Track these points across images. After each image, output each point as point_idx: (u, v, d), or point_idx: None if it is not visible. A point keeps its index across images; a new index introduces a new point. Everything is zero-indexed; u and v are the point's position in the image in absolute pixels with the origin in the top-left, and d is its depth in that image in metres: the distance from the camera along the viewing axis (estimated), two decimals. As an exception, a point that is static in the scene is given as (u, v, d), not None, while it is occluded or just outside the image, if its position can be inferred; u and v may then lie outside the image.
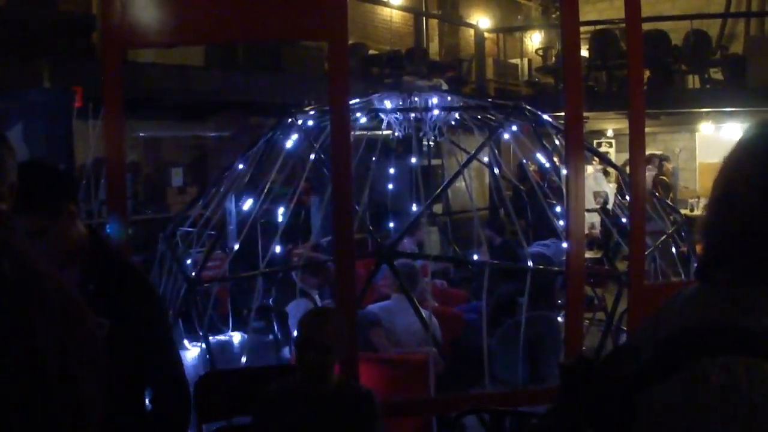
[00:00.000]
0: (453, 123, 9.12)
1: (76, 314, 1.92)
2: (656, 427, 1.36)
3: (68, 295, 1.95)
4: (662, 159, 16.76)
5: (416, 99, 8.40)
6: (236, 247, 7.54)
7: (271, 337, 7.66)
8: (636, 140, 5.18)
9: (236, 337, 8.61)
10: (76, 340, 1.85)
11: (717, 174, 1.56)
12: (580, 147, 5.17)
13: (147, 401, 3.11)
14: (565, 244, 5.46)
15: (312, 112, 7.83)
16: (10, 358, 1.69)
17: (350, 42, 5.77)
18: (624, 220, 8.20)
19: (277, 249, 7.63)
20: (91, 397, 1.86)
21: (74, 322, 1.88)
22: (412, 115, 8.43)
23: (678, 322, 1.48)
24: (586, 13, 17.09)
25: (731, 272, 1.48)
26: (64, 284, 1.97)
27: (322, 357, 3.98)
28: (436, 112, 8.45)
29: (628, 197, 6.61)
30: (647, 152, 6.18)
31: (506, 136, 8.39)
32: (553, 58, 18.03)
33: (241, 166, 7.52)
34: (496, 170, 9.94)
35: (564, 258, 5.45)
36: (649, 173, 14.87)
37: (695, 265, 1.58)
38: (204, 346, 6.30)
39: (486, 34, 18.27)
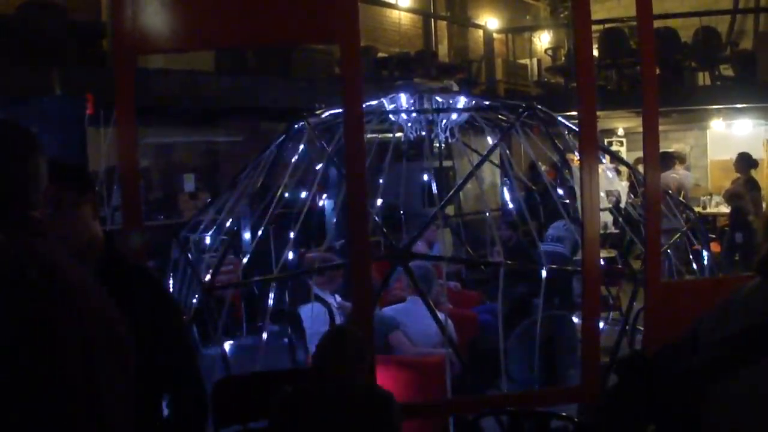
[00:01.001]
0: (465, 124, 9.10)
1: (105, 321, 1.91)
2: (730, 418, 1.37)
3: (99, 302, 1.94)
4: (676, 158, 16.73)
5: (425, 101, 8.39)
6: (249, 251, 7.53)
7: (286, 340, 7.66)
8: (650, 138, 5.15)
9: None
10: (104, 349, 1.85)
11: None
12: (593, 146, 5.16)
13: (164, 406, 3.11)
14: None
15: (323, 116, 7.83)
16: (34, 367, 1.68)
17: (360, 45, 5.80)
18: (637, 218, 8.18)
19: (290, 255, 7.62)
20: (116, 406, 1.86)
21: (102, 330, 1.88)
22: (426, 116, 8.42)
23: (744, 317, 1.49)
24: (595, 12, 16.93)
25: None
26: (94, 290, 1.97)
27: (340, 383, 4.00)
28: (453, 116, 8.43)
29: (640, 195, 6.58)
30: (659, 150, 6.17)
31: (517, 137, 8.37)
32: (563, 58, 18.01)
33: (253, 172, 7.52)
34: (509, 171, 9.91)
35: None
36: (681, 174, 14.88)
37: (759, 259, 1.58)
38: (219, 350, 6.31)
39: (495, 35, 18.23)
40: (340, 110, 5.32)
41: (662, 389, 1.53)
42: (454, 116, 8.47)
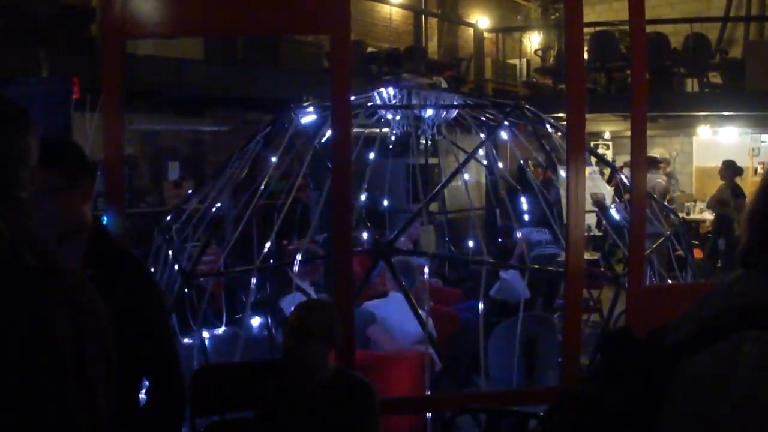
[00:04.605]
0: (452, 122, 9.08)
1: (91, 305, 1.89)
2: (693, 391, 1.43)
3: (83, 284, 1.93)
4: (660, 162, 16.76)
5: (413, 98, 8.36)
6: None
7: (265, 332, 7.63)
8: (637, 142, 5.15)
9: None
10: (92, 333, 1.83)
11: None
12: (581, 148, 5.15)
13: (142, 392, 3.09)
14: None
15: (310, 108, 7.80)
16: (30, 353, 1.66)
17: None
18: (620, 221, 8.19)
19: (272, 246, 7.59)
20: (104, 392, 1.84)
21: (90, 313, 1.86)
22: (413, 112, 8.40)
23: (720, 303, 1.53)
24: (586, 15, 16.86)
25: None
26: (78, 272, 1.95)
27: (305, 345, 3.96)
28: (441, 113, 8.41)
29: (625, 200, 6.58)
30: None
31: (504, 135, 8.36)
32: (552, 59, 18.02)
33: (238, 161, 7.50)
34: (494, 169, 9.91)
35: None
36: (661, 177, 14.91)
37: (739, 252, 1.64)
38: (198, 340, 6.28)
39: (485, 34, 18.23)
40: (327, 103, 5.31)
41: (635, 365, 1.59)
42: (438, 111, 8.45)
